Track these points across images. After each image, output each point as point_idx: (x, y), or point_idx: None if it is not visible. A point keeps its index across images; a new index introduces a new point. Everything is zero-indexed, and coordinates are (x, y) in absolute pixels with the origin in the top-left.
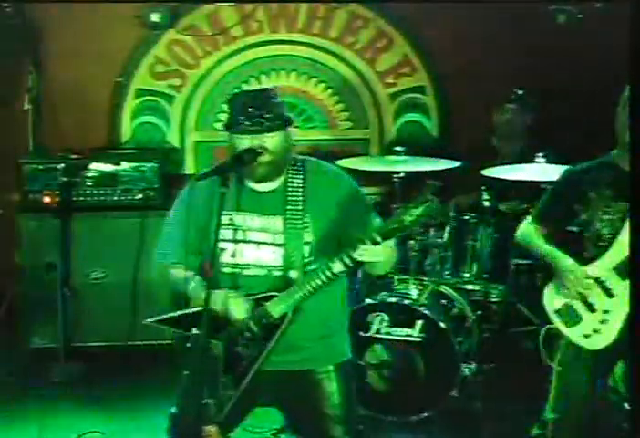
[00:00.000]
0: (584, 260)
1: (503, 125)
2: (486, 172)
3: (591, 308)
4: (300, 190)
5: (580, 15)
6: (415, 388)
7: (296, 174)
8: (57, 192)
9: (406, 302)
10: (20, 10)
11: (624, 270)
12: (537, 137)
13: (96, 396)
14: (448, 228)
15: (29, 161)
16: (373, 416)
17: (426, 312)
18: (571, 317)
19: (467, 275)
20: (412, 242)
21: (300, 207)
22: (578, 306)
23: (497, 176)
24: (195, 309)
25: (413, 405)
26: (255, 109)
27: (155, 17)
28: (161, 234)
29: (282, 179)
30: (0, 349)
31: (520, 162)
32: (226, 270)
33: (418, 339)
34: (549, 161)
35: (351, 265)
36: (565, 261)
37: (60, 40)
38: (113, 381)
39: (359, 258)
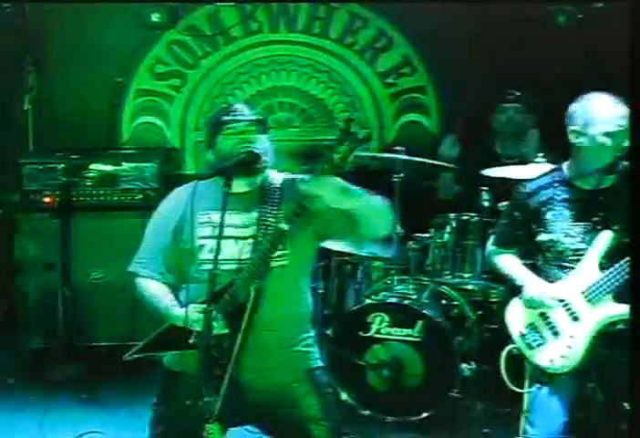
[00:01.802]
0: (549, 281)
1: (503, 126)
2: (486, 172)
3: (555, 331)
4: (276, 189)
5: (580, 16)
6: (415, 388)
7: (272, 178)
8: (57, 192)
9: (406, 302)
10: (21, 10)
11: (592, 295)
12: (537, 137)
13: (96, 396)
14: (448, 228)
15: (29, 161)
16: (373, 416)
17: (426, 312)
18: (535, 338)
19: (467, 275)
20: (412, 242)
21: (275, 202)
22: (542, 327)
23: (497, 176)
24: (163, 328)
25: (413, 405)
26: (237, 111)
27: (155, 17)
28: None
29: (258, 181)
30: (0, 349)
31: (522, 163)
32: (206, 267)
33: (418, 339)
34: (549, 161)
35: (295, 219)
36: (532, 280)
37: (60, 40)
38: (113, 381)
39: (300, 201)
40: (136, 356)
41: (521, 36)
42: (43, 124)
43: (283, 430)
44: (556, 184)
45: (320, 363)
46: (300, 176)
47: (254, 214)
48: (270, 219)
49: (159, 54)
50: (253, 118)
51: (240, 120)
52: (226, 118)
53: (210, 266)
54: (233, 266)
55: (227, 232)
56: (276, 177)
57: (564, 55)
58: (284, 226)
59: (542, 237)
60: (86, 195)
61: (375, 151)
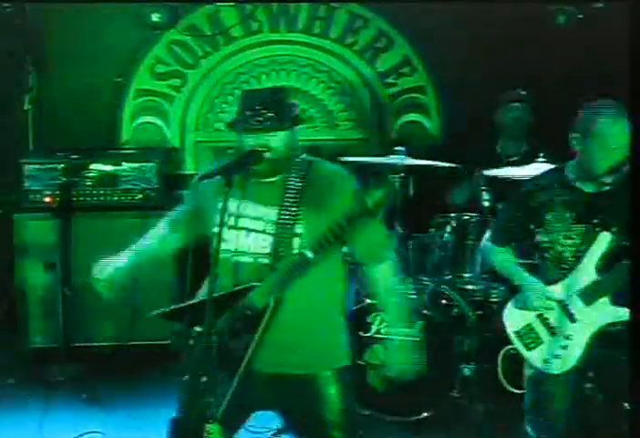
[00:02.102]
0: (547, 281)
1: (509, 124)
2: (486, 172)
3: (552, 331)
4: (299, 183)
5: (580, 16)
6: (415, 388)
7: (299, 169)
8: (57, 192)
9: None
10: (21, 10)
11: (589, 297)
12: (538, 137)
13: (96, 396)
14: (448, 228)
15: (29, 161)
16: (373, 416)
17: (426, 312)
18: (532, 339)
19: (467, 275)
20: (412, 242)
21: (296, 199)
22: (539, 328)
23: (497, 176)
24: (195, 301)
25: (413, 405)
26: (260, 108)
27: (155, 17)
28: None
29: (280, 175)
30: (0, 349)
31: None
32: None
33: (418, 339)
34: (549, 162)
35: (320, 250)
36: (529, 280)
37: (60, 40)
38: (113, 381)
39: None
40: (159, 315)
41: (521, 36)
42: (43, 124)
43: (301, 428)
44: (557, 185)
45: (349, 362)
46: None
47: (269, 208)
48: (287, 217)
49: (159, 54)
50: (274, 116)
51: (254, 125)
52: (244, 116)
53: (225, 255)
54: (249, 260)
55: (241, 222)
56: (301, 173)
57: (564, 55)
58: (309, 254)
59: (541, 237)
60: (86, 195)
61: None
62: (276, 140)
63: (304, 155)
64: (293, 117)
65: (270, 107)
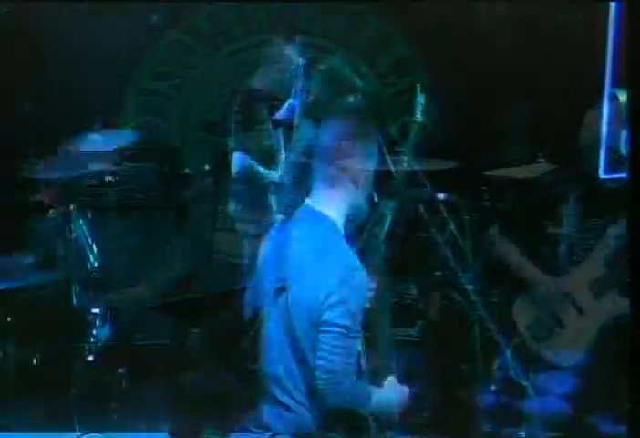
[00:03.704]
0: (556, 274)
1: (510, 124)
2: (486, 172)
3: (560, 324)
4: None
5: (580, 16)
6: (415, 388)
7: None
8: (57, 192)
9: (406, 302)
10: (21, 10)
11: (598, 290)
12: (538, 137)
13: (96, 396)
14: (448, 228)
15: (29, 160)
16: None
17: (426, 312)
18: (541, 331)
19: (467, 274)
20: (412, 242)
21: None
22: (548, 320)
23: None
24: (190, 296)
25: (413, 406)
26: (231, 112)
27: (155, 17)
28: None
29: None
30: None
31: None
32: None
33: (418, 339)
34: (549, 162)
35: None
36: (537, 273)
37: (60, 40)
38: (113, 381)
39: None
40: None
41: (521, 36)
42: (43, 124)
43: None
44: (572, 180)
45: None
46: None
47: (266, 212)
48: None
49: (159, 54)
50: (242, 119)
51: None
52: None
53: (219, 256)
54: (240, 260)
55: (238, 226)
56: (295, 178)
57: (564, 55)
58: None
59: (553, 230)
60: (86, 195)
61: None
62: (253, 142)
63: (296, 157)
64: (271, 119)
65: (241, 110)
